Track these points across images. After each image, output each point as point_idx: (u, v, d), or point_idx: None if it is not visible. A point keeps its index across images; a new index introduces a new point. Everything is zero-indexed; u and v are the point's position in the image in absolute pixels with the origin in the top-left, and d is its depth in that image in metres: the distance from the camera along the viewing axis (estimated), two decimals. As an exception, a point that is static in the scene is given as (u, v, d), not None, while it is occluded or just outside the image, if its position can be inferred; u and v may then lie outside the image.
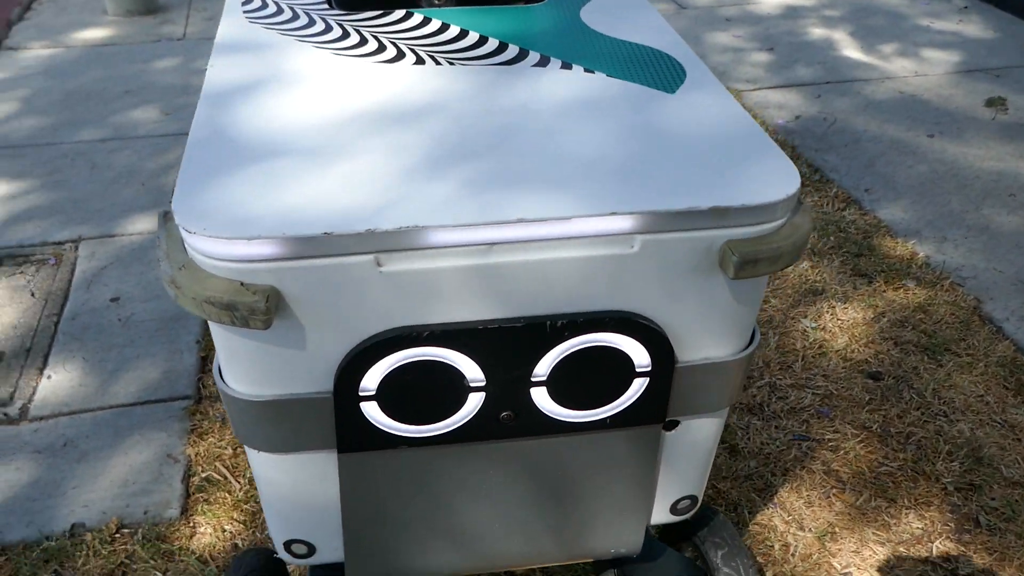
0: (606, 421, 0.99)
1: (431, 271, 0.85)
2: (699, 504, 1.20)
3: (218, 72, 1.10)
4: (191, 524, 1.75)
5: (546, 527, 1.12)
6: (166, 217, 0.90)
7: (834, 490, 1.85)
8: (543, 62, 1.15)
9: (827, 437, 1.98)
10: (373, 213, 0.82)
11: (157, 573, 1.65)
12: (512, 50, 1.18)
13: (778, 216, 0.88)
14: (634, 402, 0.98)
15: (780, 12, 4.43)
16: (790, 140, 3.21)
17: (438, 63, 1.14)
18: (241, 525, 1.75)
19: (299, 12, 1.28)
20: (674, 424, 1.06)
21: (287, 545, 1.10)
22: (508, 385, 0.94)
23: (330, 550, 1.10)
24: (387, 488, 1.02)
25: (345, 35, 1.21)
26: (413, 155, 0.92)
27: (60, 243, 2.59)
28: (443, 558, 1.13)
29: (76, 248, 2.56)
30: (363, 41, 1.19)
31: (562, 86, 1.08)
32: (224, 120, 0.99)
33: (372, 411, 0.94)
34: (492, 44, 1.19)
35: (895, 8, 4.48)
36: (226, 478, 1.85)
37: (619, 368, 0.95)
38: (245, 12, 1.28)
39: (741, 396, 2.09)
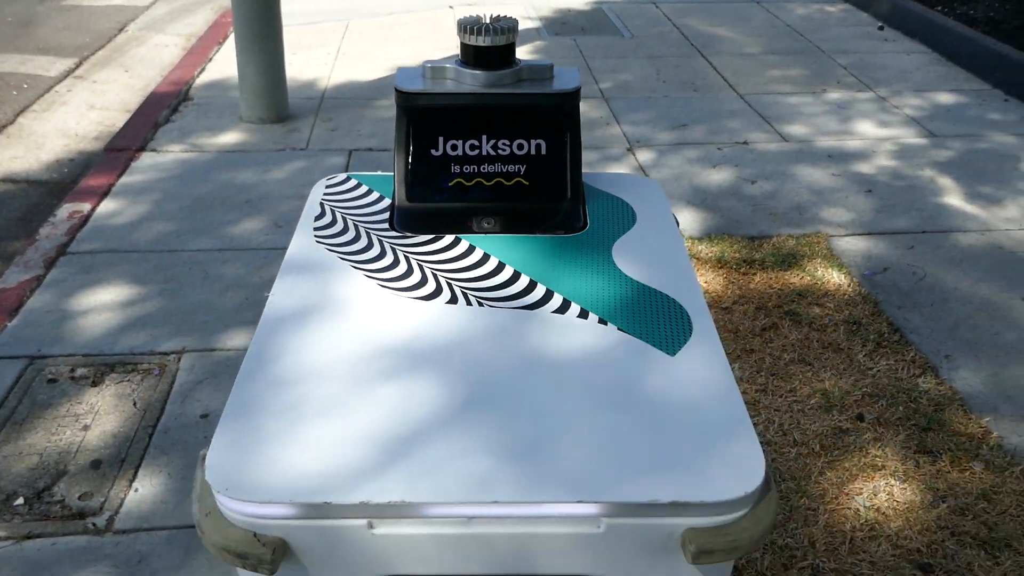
0: None
1: (418, 536, 0.96)
2: None
3: (278, 301, 1.26)
4: None
5: None
6: (203, 460, 1.04)
7: None
8: (563, 308, 1.26)
9: (865, 635, 1.95)
10: (370, 483, 0.95)
11: None
12: (538, 291, 1.29)
13: (738, 510, 0.95)
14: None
15: (885, 151, 4.42)
16: (874, 294, 3.19)
17: (468, 303, 1.27)
18: None
19: (362, 233, 1.44)
20: None
21: None
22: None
23: None
24: None
25: (395, 263, 1.36)
26: (418, 416, 1.04)
27: (165, 353, 2.84)
28: None
29: (179, 360, 2.81)
30: (408, 272, 1.34)
31: (573, 337, 1.19)
32: (266, 367, 1.14)
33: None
34: (522, 283, 1.31)
35: (1011, 152, 4.40)
36: None
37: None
38: (315, 229, 1.45)
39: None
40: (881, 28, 6.30)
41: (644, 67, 5.61)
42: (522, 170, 1.51)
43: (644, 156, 4.33)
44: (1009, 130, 4.62)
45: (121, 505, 2.26)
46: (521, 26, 6.41)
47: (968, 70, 5.43)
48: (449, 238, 1.43)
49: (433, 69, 1.51)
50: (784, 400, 2.66)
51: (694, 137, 4.55)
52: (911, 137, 4.54)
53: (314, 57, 5.68)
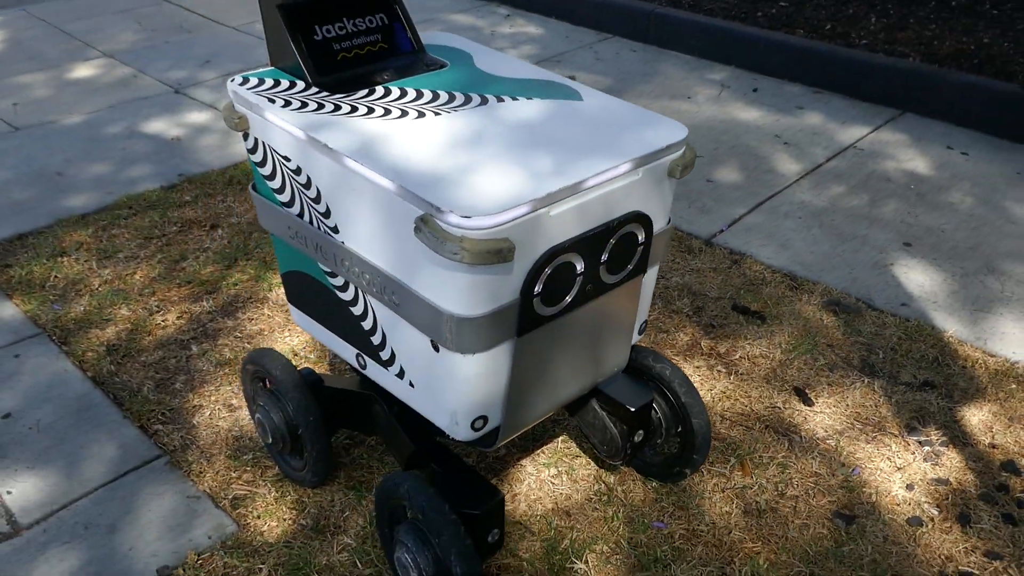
0: (625, 277, 1.78)
1: (566, 209, 1.56)
2: (646, 327, 2.04)
3: (336, 142, 1.65)
4: (252, 528, 2.14)
5: (591, 360, 1.87)
6: (424, 219, 1.48)
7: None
8: (499, 100, 1.87)
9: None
10: (543, 184, 1.52)
11: (261, 566, 2.04)
12: (475, 99, 1.87)
13: (684, 145, 1.76)
14: (636, 262, 1.78)
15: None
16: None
17: (449, 114, 1.80)
18: (294, 511, 2.18)
19: (321, 103, 1.82)
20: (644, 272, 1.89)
21: (472, 423, 1.70)
22: (591, 269, 1.68)
23: (494, 418, 1.73)
24: (533, 355, 1.69)
25: (371, 111, 1.79)
26: (519, 163, 1.60)
27: None
28: (543, 406, 1.82)
29: (-84, 392, 2.55)
30: (387, 112, 1.79)
31: (528, 110, 1.82)
32: (394, 160, 1.57)
33: (537, 304, 1.62)
34: (460, 98, 1.87)
35: (466, 23, 5.63)
36: (251, 491, 2.24)
37: (634, 243, 1.74)
38: (282, 109, 1.79)
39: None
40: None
41: (125, 21, 5.64)
42: (379, 38, 2.01)
43: (200, 93, 4.61)
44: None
45: (7, 510, 2.19)
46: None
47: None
48: (381, 90, 1.89)
49: (289, -25, 1.90)
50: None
51: (226, 69, 4.92)
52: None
53: None
